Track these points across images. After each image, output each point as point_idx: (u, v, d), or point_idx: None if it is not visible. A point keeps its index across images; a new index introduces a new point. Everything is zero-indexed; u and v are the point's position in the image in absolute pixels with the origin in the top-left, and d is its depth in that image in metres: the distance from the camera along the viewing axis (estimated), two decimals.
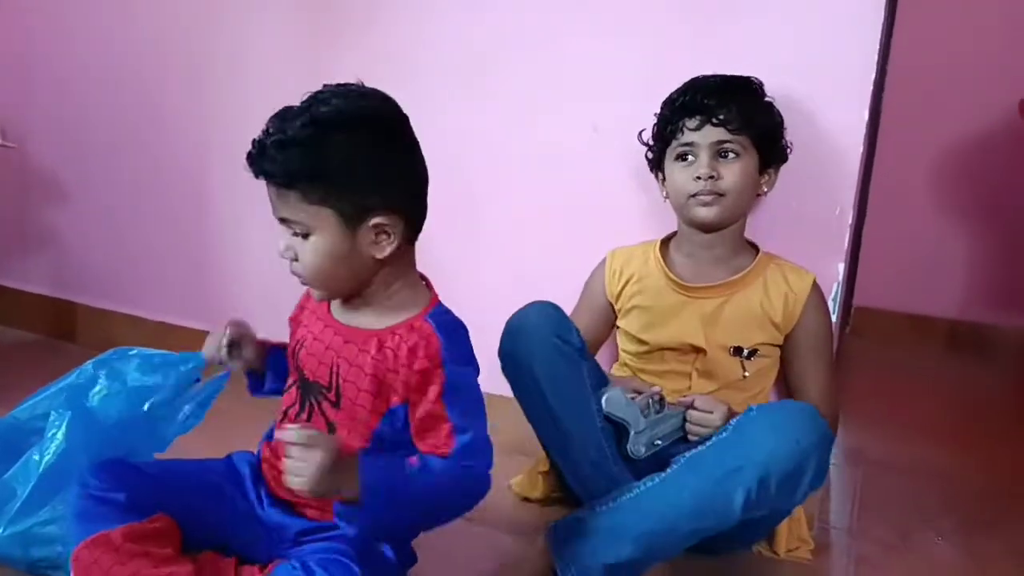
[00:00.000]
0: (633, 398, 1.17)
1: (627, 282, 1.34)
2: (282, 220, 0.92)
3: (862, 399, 2.01)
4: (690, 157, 1.24)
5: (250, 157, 0.90)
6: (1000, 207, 2.49)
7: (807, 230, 1.34)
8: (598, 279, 1.39)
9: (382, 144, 0.90)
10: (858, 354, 2.45)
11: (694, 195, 1.23)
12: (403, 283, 0.97)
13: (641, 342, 1.32)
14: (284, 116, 0.89)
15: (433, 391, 0.91)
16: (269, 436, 1.06)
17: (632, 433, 1.15)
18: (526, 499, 1.38)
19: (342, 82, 0.93)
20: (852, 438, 1.75)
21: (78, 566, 0.90)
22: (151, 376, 1.07)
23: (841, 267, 1.33)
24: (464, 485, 0.93)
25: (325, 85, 0.92)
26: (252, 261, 1.87)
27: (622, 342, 1.37)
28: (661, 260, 1.32)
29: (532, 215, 1.56)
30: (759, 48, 1.33)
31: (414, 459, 0.91)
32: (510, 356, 1.19)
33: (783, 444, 0.98)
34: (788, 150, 1.27)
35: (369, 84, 0.98)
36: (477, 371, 0.97)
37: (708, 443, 1.06)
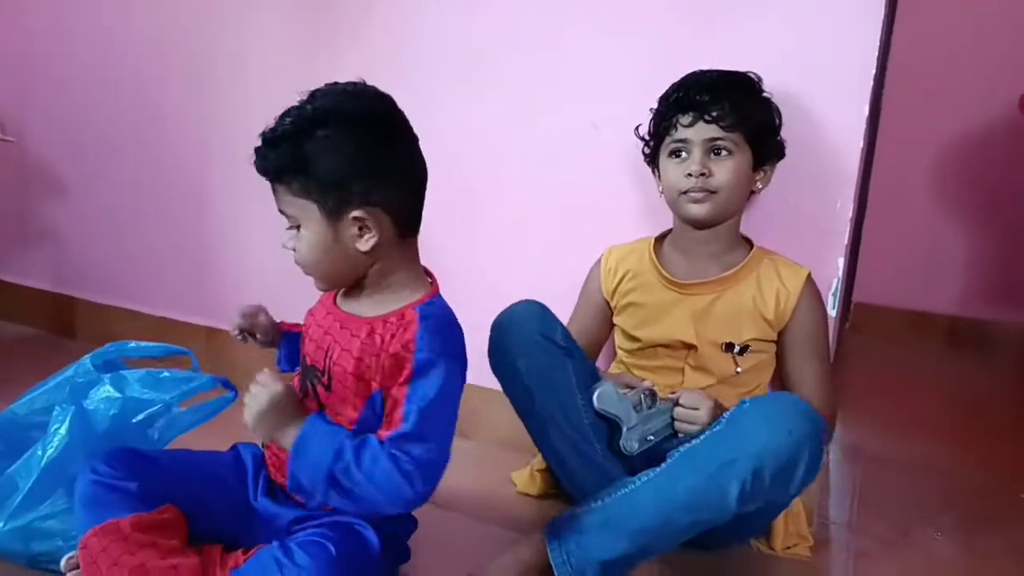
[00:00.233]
0: (625, 394, 1.17)
1: (622, 279, 1.35)
2: (281, 212, 0.97)
3: (862, 395, 2.01)
4: (683, 153, 1.24)
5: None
6: (1000, 203, 2.49)
7: (807, 226, 1.34)
8: (594, 277, 1.39)
9: (364, 141, 0.92)
10: (858, 350, 2.46)
11: (685, 192, 1.24)
12: (402, 276, 0.98)
13: (635, 339, 1.32)
14: (281, 114, 0.93)
15: (403, 376, 0.92)
16: None
17: (624, 429, 1.16)
18: (525, 494, 1.40)
19: (345, 81, 0.96)
20: (852, 434, 1.75)
21: (86, 553, 0.91)
22: (152, 392, 1.09)
23: (841, 263, 1.33)
24: (385, 477, 0.88)
25: (327, 84, 0.95)
26: (252, 259, 1.87)
27: (618, 339, 1.38)
28: (654, 257, 1.33)
29: (531, 213, 1.56)
30: (759, 46, 1.33)
31: (362, 437, 0.92)
32: (496, 353, 1.20)
33: (776, 435, 0.98)
34: (784, 147, 1.27)
35: (368, 82, 0.99)
36: (458, 368, 0.95)
37: (701, 437, 1.06)
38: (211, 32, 1.86)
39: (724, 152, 1.22)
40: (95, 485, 0.95)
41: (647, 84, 1.30)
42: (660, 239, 1.37)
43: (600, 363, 1.45)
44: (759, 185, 1.27)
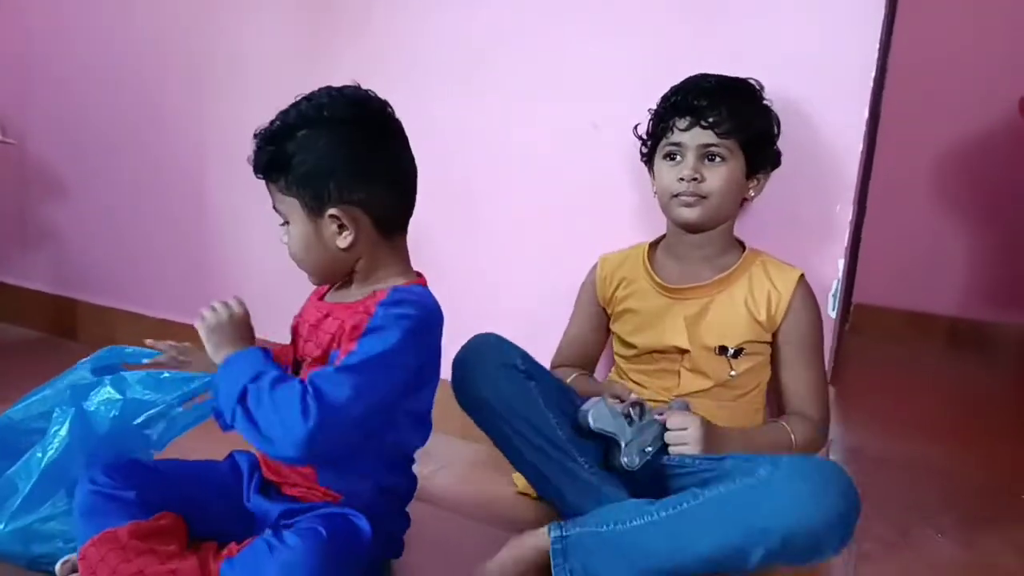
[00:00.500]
0: (615, 409, 1.15)
1: (617, 286, 1.35)
2: (274, 209, 1.02)
3: (862, 396, 2.01)
4: (677, 157, 1.25)
5: None
6: (1000, 204, 2.49)
7: (807, 227, 1.35)
8: (589, 287, 1.39)
9: (342, 141, 0.96)
10: (858, 351, 2.45)
11: (677, 195, 1.24)
12: (387, 272, 1.02)
13: (630, 345, 1.32)
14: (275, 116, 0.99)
15: (356, 334, 0.94)
16: None
17: (623, 445, 1.14)
18: (525, 495, 1.39)
19: (341, 85, 0.99)
20: (852, 435, 1.75)
21: (85, 564, 0.92)
22: (153, 393, 1.09)
23: (841, 263, 1.33)
24: (286, 402, 0.87)
25: (322, 88, 0.99)
26: (252, 259, 1.87)
27: (615, 346, 1.38)
28: (648, 263, 1.33)
29: (531, 213, 1.56)
30: (759, 47, 1.33)
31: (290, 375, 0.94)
32: (460, 390, 1.20)
33: (814, 513, 0.94)
34: (780, 156, 1.27)
35: (368, 83, 1.01)
36: (413, 342, 0.94)
37: (733, 484, 1.00)
38: (211, 32, 1.86)
39: (718, 159, 1.22)
40: (93, 495, 0.96)
41: (647, 84, 1.30)
42: (654, 245, 1.37)
43: (599, 370, 1.45)
44: (751, 193, 1.28)
